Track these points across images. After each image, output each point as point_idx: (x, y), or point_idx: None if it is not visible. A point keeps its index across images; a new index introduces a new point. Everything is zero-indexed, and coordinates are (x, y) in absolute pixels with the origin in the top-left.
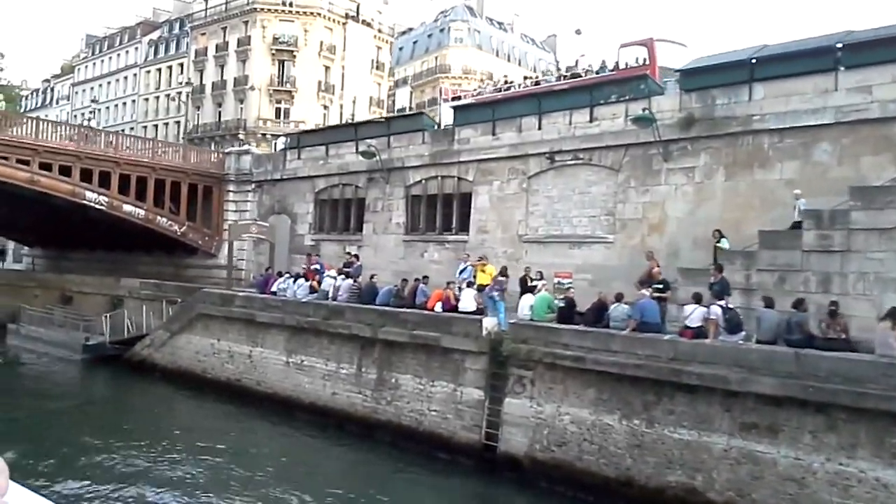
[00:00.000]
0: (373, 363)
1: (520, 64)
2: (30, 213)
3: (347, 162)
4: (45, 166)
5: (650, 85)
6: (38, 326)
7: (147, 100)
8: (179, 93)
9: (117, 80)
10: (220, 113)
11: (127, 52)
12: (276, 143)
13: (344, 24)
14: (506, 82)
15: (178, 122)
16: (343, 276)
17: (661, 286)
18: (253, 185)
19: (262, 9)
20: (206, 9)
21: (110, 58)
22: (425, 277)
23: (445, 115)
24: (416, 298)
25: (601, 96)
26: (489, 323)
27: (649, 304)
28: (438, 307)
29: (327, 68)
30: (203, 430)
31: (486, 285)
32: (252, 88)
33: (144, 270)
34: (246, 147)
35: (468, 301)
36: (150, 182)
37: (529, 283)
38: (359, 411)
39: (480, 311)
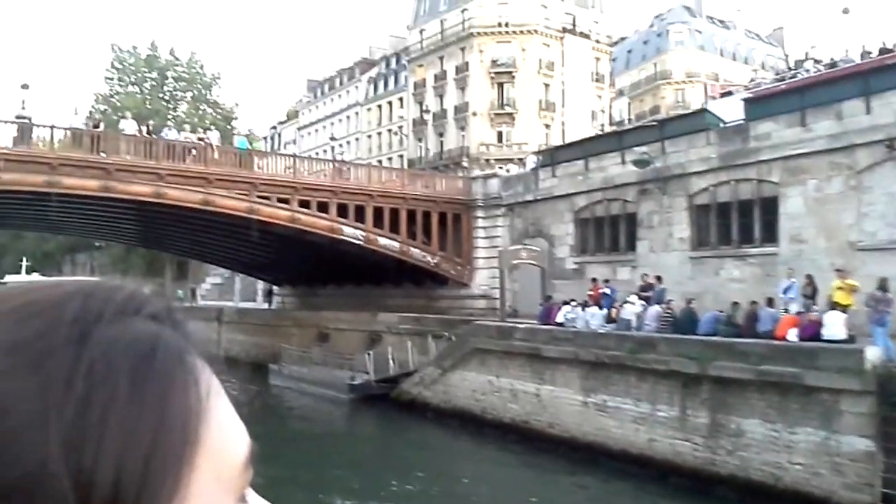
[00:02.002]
0: (702, 404)
1: (746, 62)
2: (282, 252)
3: (612, 175)
4: (304, 203)
5: None
6: (298, 366)
7: (370, 136)
8: (401, 126)
9: (340, 120)
10: (441, 142)
11: (348, 91)
12: (524, 163)
13: (561, 38)
14: (788, 69)
15: (401, 156)
16: (643, 303)
17: None
18: (503, 209)
19: (479, 33)
20: (421, 40)
21: (332, 99)
22: (770, 300)
23: (717, 113)
24: (759, 325)
25: None
26: (873, 354)
27: None
28: (792, 335)
29: (547, 86)
30: (497, 480)
31: (847, 305)
32: (474, 114)
33: (394, 304)
34: (494, 170)
35: (836, 326)
36: (403, 213)
37: None
38: (688, 462)
39: (852, 339)
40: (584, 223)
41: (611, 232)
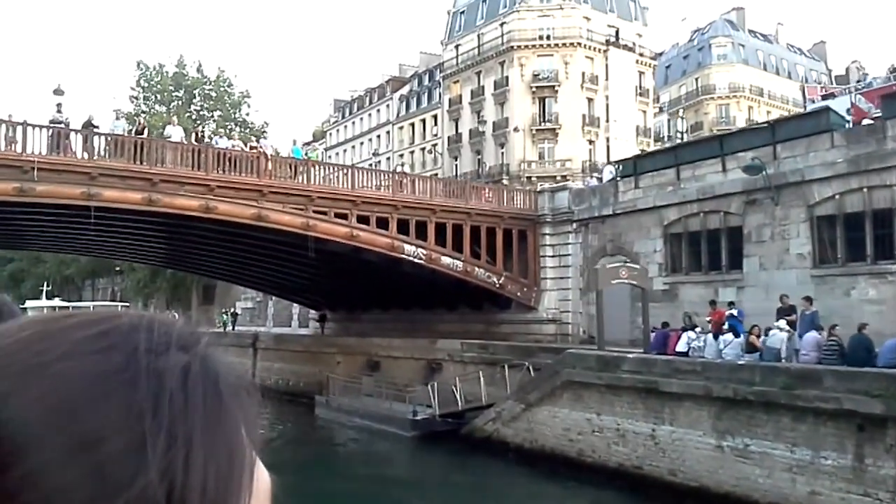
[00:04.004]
0: (887, 452)
1: (789, 76)
2: (328, 272)
3: (710, 184)
4: (362, 219)
5: None
6: (348, 398)
7: (402, 155)
8: (435, 145)
9: (370, 139)
10: (479, 160)
11: (378, 110)
12: (601, 174)
13: (605, 51)
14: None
15: (434, 175)
16: (787, 329)
17: None
18: (574, 225)
19: (520, 46)
20: (457, 56)
21: (361, 118)
22: None
23: None
24: None
25: None
26: None
27: None
28: None
29: (590, 100)
30: None
31: None
32: (516, 130)
33: (447, 329)
34: (563, 183)
35: None
36: (466, 230)
37: None
38: None
39: None
40: (676, 239)
41: (710, 248)
